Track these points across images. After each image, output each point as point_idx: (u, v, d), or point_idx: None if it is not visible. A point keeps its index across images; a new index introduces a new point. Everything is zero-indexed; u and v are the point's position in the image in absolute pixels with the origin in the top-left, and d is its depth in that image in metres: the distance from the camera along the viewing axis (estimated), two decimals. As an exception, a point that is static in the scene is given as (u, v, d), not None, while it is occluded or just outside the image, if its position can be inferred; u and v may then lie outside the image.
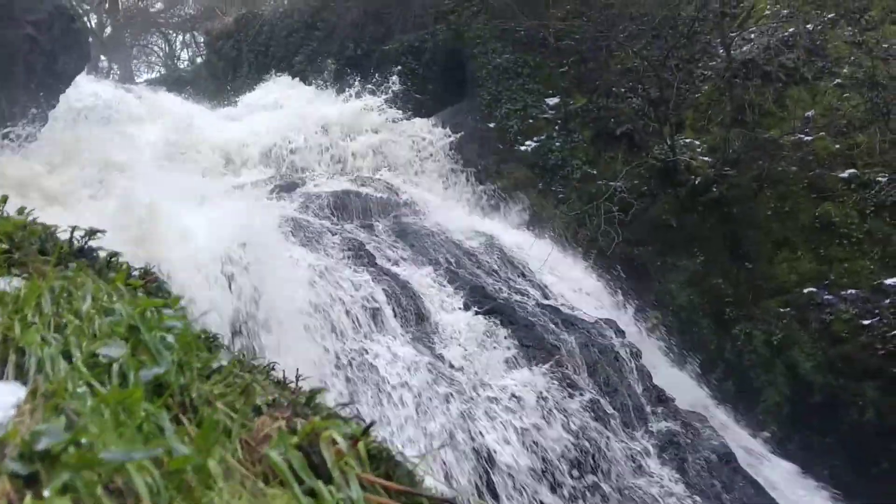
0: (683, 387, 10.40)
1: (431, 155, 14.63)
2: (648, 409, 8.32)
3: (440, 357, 7.99)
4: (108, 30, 34.56)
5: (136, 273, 2.00)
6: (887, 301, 10.97)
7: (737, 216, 12.56)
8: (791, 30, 13.58)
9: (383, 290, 8.60)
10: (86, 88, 16.99)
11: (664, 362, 11.05)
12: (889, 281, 11.12)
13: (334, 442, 1.11)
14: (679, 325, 12.25)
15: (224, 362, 1.30)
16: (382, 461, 1.19)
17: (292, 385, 1.88)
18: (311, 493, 1.03)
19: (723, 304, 12.24)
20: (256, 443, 1.09)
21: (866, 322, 10.96)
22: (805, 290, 11.66)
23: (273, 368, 2.03)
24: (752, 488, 7.57)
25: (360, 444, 1.15)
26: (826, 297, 11.48)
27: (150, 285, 1.90)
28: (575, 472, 6.93)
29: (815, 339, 11.30)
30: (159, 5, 36.33)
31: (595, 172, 14.14)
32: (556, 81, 15.60)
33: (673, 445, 7.82)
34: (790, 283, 11.86)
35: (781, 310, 11.75)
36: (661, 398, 8.61)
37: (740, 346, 11.84)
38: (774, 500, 7.54)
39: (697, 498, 7.17)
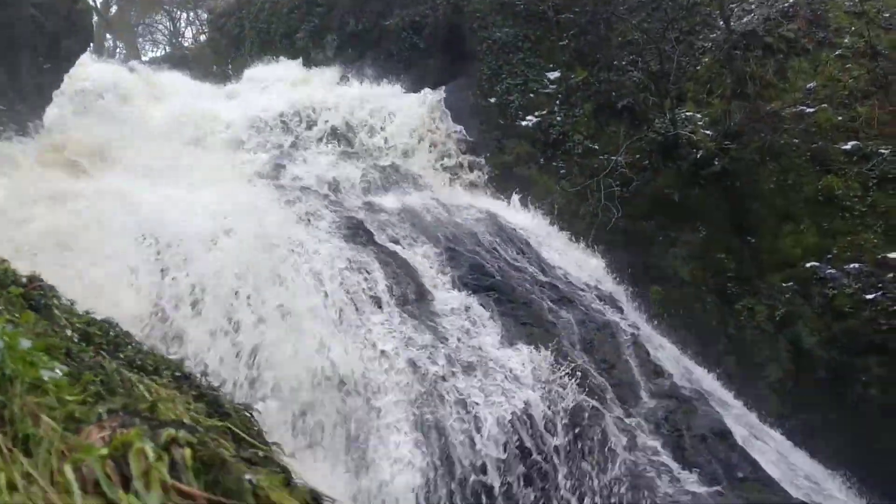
0: (683, 362, 10.39)
1: (432, 131, 14.54)
2: (645, 384, 8.30)
3: (438, 333, 7.99)
4: (114, 9, 34.51)
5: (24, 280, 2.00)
6: (891, 275, 10.91)
7: (739, 190, 12.47)
8: (791, 0, 13.41)
9: (381, 268, 8.61)
10: (90, 68, 16.99)
11: (663, 337, 11.00)
12: (893, 255, 11.04)
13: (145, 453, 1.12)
14: (681, 300, 12.21)
15: (59, 372, 1.30)
16: (214, 468, 1.20)
17: (199, 380, 1.89)
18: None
19: (725, 278, 12.18)
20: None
21: (870, 296, 10.90)
22: (808, 265, 11.59)
23: (183, 364, 2.04)
24: (749, 465, 7.54)
25: (187, 453, 1.17)
26: (829, 271, 11.41)
27: (33, 293, 1.89)
28: (568, 447, 6.95)
29: (818, 314, 11.24)
30: (164, -17, 36.19)
31: (596, 147, 14.05)
32: (557, 55, 15.46)
33: (669, 421, 7.81)
34: (793, 257, 11.78)
35: (785, 284, 11.69)
36: (657, 373, 8.59)
37: (743, 321, 11.79)
38: (771, 477, 7.52)
39: (692, 474, 7.17)
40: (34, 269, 2.40)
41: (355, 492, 6.25)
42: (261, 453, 1.46)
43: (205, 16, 28.67)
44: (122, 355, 2.04)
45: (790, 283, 11.60)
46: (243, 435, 1.43)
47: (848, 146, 11.93)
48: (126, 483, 1.09)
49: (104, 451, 1.12)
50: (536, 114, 14.74)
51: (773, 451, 9.10)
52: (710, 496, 6.84)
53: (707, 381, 10.42)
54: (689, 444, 7.58)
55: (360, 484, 6.35)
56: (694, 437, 7.66)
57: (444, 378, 7.13)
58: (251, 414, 1.93)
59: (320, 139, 14.29)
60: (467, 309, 8.41)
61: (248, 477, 1.24)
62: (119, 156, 10.63)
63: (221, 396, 1.96)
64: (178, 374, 2.08)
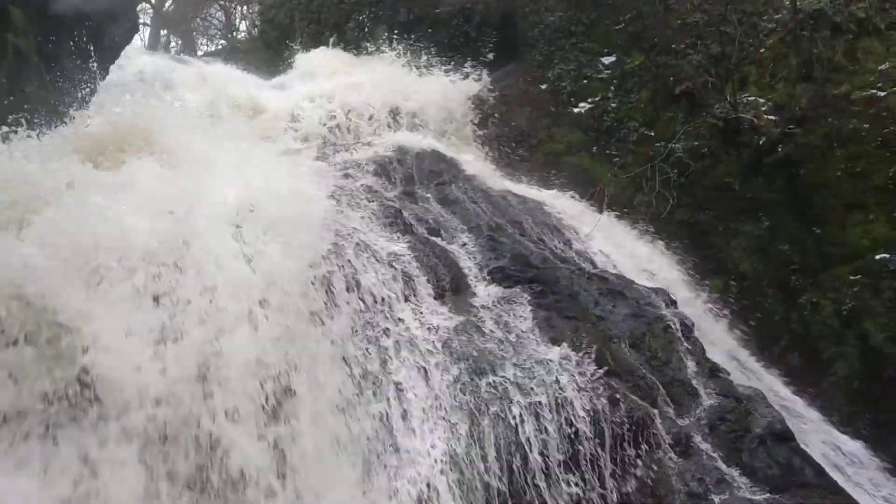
0: (741, 359, 9.83)
1: (480, 118, 14.17)
2: (699, 384, 7.75)
3: (476, 327, 7.59)
4: (169, 3, 34.84)
5: None
6: (968, 267, 10.17)
7: (804, 178, 11.75)
8: (864, -23, 12.61)
9: (418, 258, 8.25)
10: (139, 60, 17.04)
11: (722, 333, 10.44)
12: (970, 245, 10.29)
13: None
14: (742, 294, 11.61)
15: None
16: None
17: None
18: None
19: (789, 271, 11.50)
20: None
21: (944, 290, 10.17)
22: (878, 257, 10.84)
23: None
24: (812, 469, 6.95)
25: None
26: (901, 263, 10.68)
27: None
28: (617, 451, 6.48)
29: (888, 308, 10.49)
30: (218, -22, 36.35)
31: (653, 134, 13.47)
32: (612, 39, 14.88)
33: (725, 423, 7.25)
34: (862, 248, 11.03)
35: (852, 277, 10.95)
36: (713, 372, 8.02)
37: (807, 316, 11.11)
38: (835, 483, 6.93)
39: (750, 479, 6.64)
40: None
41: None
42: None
43: (257, 8, 28.67)
44: None
45: (859, 276, 10.86)
46: None
47: (923, 130, 11.15)
48: None
49: None
50: (590, 100, 14.22)
51: (839, 454, 8.53)
52: (768, 504, 6.31)
53: (768, 378, 9.87)
54: (747, 446, 7.02)
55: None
56: (752, 440, 7.10)
57: (478, 373, 6.75)
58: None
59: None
60: (508, 301, 7.99)
61: None
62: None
63: None
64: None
